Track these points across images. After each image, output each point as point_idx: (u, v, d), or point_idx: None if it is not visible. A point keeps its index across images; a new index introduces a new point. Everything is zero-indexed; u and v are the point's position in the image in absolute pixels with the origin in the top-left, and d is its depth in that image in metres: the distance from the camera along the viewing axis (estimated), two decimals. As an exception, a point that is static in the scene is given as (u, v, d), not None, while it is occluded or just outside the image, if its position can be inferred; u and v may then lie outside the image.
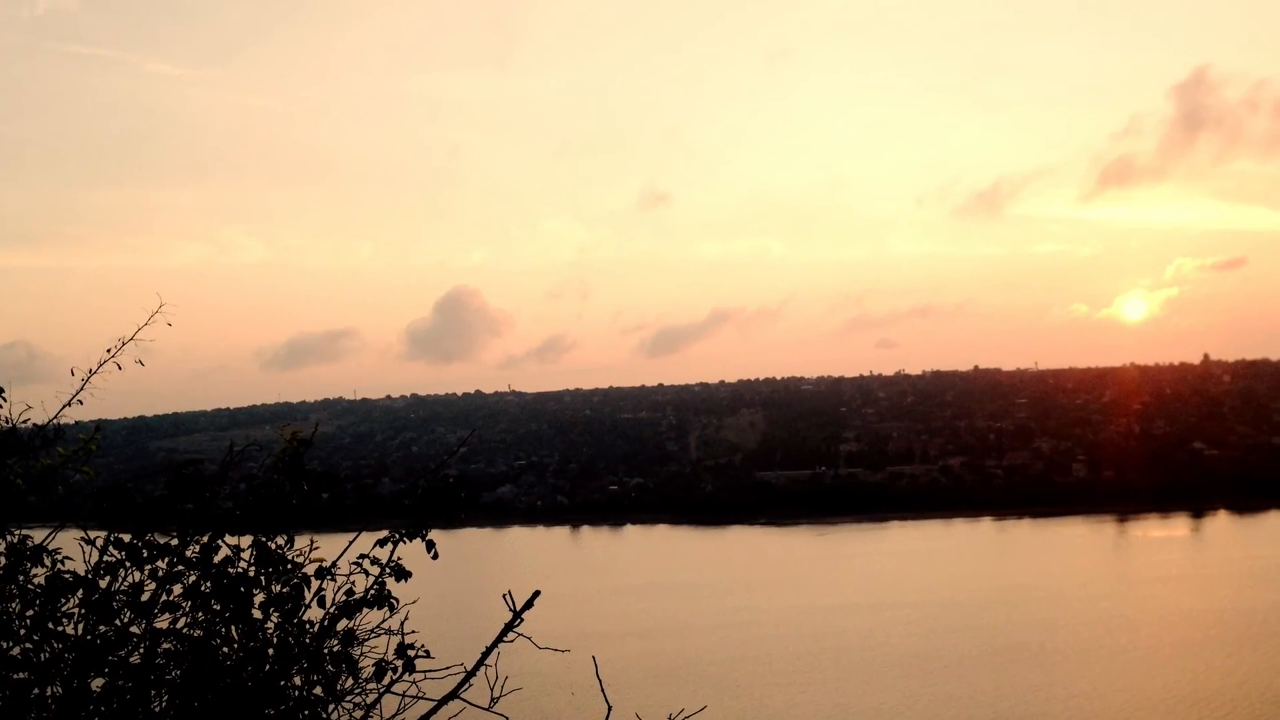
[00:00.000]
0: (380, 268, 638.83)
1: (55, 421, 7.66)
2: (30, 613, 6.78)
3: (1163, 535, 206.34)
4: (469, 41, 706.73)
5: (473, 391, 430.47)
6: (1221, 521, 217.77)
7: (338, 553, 7.26)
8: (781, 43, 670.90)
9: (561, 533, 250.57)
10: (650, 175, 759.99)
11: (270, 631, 7.04)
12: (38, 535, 7.08)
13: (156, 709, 6.77)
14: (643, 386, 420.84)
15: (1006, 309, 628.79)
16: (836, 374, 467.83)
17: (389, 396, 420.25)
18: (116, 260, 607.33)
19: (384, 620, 7.24)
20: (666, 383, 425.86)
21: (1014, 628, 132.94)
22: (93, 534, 6.98)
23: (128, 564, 6.90)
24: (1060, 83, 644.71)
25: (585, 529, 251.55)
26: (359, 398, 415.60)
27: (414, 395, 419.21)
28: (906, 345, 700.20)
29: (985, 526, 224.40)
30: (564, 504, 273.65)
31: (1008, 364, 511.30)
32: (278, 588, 7.09)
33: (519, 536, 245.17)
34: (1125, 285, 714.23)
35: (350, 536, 7.46)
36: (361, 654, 7.15)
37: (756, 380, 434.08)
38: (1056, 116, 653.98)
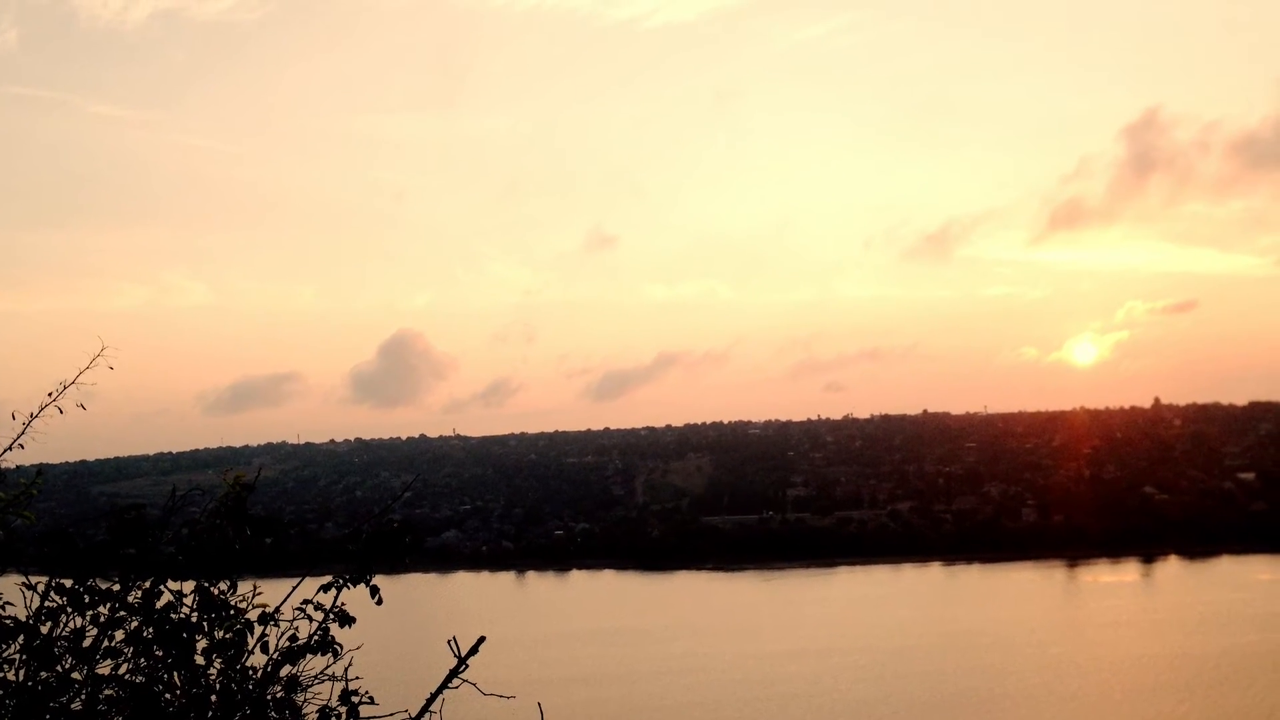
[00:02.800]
0: (324, 311, 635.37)
1: (-4, 466, 7.61)
2: (-30, 659, 6.72)
3: (1113, 580, 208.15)
4: (414, 82, 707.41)
5: (417, 436, 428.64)
6: (1172, 566, 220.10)
7: (281, 598, 7.25)
8: (729, 84, 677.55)
9: (507, 578, 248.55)
10: (597, 218, 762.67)
11: (213, 678, 7.01)
12: (-22, 581, 7.02)
13: (97, 756, 6.72)
14: (588, 430, 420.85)
15: (956, 352, 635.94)
16: (784, 418, 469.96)
17: (333, 441, 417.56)
18: (58, 303, 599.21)
19: (328, 666, 7.23)
20: (613, 426, 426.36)
21: (963, 674, 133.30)
22: (34, 579, 6.94)
23: (69, 609, 6.86)
24: (1009, 124, 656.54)
25: (531, 574, 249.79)
26: (302, 442, 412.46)
27: (358, 439, 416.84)
28: (855, 389, 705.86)
29: (934, 572, 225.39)
30: (509, 549, 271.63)
31: (957, 408, 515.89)
32: (220, 633, 7.07)
33: (464, 582, 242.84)
34: (1075, 328, 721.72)
35: (294, 582, 7.46)
36: (305, 700, 7.13)
37: (703, 424, 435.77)
38: (1006, 158, 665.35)
